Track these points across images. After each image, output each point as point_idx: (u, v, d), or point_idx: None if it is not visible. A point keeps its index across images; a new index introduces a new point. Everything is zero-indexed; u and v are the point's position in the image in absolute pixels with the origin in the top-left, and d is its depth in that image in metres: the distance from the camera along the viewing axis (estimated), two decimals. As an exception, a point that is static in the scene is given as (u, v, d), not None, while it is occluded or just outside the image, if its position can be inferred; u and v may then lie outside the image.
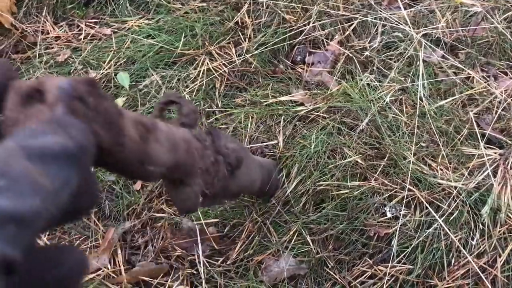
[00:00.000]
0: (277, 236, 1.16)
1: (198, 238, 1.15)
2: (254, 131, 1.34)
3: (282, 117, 1.34)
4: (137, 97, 1.37)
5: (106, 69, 1.41)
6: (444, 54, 1.50)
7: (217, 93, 1.42)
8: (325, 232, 1.14)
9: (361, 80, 1.35)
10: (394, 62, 1.45)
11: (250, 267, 1.13)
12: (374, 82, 1.36)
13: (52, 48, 1.47)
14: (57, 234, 1.18)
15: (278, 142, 1.28)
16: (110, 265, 1.14)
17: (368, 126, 1.24)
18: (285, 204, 1.20)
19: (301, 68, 1.48)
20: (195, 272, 1.14)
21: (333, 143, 1.22)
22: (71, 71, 1.42)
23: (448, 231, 1.11)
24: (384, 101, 1.30)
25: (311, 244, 1.13)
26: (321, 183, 1.17)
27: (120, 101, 1.35)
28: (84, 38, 1.50)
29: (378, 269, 1.10)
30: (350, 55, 1.44)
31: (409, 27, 1.49)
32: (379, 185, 1.17)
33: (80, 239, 1.18)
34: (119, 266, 1.14)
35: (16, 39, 1.47)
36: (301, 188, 1.19)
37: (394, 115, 1.28)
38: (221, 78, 1.43)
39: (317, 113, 1.30)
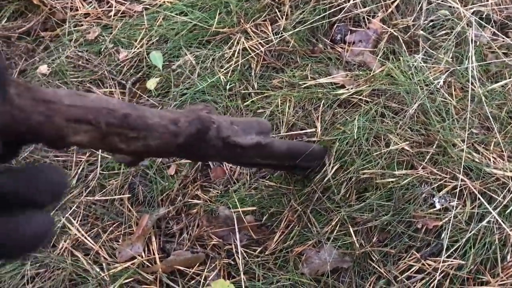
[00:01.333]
0: (318, 226, 1.10)
1: (236, 226, 1.10)
2: (292, 116, 1.27)
3: (322, 101, 1.27)
4: (171, 78, 1.31)
5: (138, 48, 1.35)
6: (495, 32, 1.40)
7: (253, 74, 1.36)
8: (369, 223, 1.08)
9: (407, 61, 1.26)
10: (441, 42, 1.36)
11: (290, 258, 1.08)
12: (421, 63, 1.27)
13: (82, 25, 1.41)
14: (89, 220, 1.14)
15: (317, 129, 1.21)
16: (144, 253, 1.10)
17: (415, 111, 1.17)
18: (326, 190, 1.14)
19: (341, 48, 1.39)
20: (232, 262, 1.09)
21: (376, 129, 1.15)
22: (102, 49, 1.37)
23: (502, 224, 1.04)
24: (432, 83, 1.21)
25: (354, 236, 1.07)
26: (364, 171, 1.10)
27: (153, 82, 1.30)
28: (114, 15, 1.44)
29: (427, 263, 1.04)
30: (394, 33, 1.35)
31: (457, 3, 1.39)
32: (427, 174, 1.10)
33: (113, 225, 1.14)
34: (154, 254, 1.10)
35: (45, 16, 1.42)
36: (342, 176, 1.12)
37: (442, 99, 1.20)
38: (257, 58, 1.35)
39: (359, 97, 1.23)
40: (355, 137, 1.13)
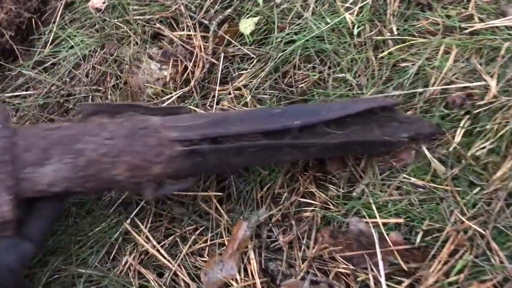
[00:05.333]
0: (504, 254, 0.72)
1: (378, 248, 0.74)
2: (451, 71, 0.85)
3: (501, 52, 0.84)
4: (273, 17, 0.91)
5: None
6: None
7: (389, 12, 0.93)
8: None
9: None
10: None
11: (459, 302, 0.71)
12: None
13: None
14: (162, 222, 0.81)
15: (488, 86, 0.80)
16: (240, 275, 0.77)
17: None
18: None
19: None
20: (369, 300, 0.74)
21: None
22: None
23: None
24: None
25: None
26: None
27: (248, 23, 0.90)
28: None
29: None
30: None
31: None
32: None
33: (196, 232, 0.81)
34: (253, 278, 0.77)
35: None
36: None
37: None
38: (398, -12, 0.92)
39: None
40: None
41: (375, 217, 0.77)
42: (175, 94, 0.90)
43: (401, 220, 0.77)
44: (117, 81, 0.91)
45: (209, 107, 0.90)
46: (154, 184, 0.69)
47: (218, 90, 0.92)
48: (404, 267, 0.74)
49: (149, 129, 0.67)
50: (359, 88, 0.88)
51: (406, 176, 0.82)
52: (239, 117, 0.73)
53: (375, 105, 0.79)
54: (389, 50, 0.90)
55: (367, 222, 0.77)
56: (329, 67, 0.90)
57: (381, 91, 0.88)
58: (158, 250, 0.78)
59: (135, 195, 0.82)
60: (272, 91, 0.90)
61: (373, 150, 0.81)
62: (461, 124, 0.82)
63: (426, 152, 0.82)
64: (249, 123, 0.71)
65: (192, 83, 0.90)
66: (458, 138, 0.82)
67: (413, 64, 0.89)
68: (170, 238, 0.80)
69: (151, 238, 0.79)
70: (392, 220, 0.77)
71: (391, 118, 0.81)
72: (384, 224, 0.77)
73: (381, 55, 0.90)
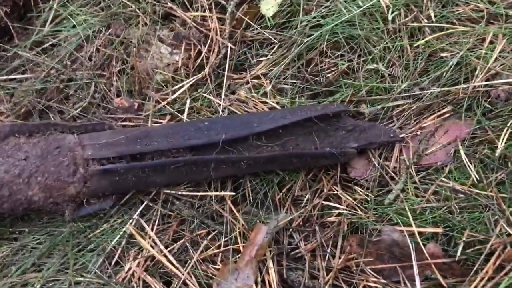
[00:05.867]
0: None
1: (413, 260, 0.66)
2: (497, 61, 0.77)
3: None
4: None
5: None
6: None
7: (427, -4, 0.83)
8: None
9: None
10: None
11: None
12: None
13: None
14: (170, 224, 0.73)
15: None
16: (257, 286, 0.69)
17: None
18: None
19: None
20: (402, 320, 0.66)
21: None
22: None
23: None
24: None
25: None
26: None
27: (270, 4, 0.81)
28: None
29: None
30: None
31: None
32: None
33: (208, 236, 0.72)
34: (271, 289, 0.69)
35: None
36: None
37: None
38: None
39: None
40: None
41: (411, 225, 0.69)
42: (187, 82, 0.81)
43: (439, 230, 0.69)
44: (123, 66, 0.82)
45: (224, 97, 0.81)
46: (74, 204, 0.69)
47: (235, 79, 0.83)
48: (443, 282, 0.65)
49: (64, 148, 0.68)
50: (391, 80, 0.79)
51: (445, 179, 0.73)
52: (162, 132, 0.71)
53: (315, 114, 0.72)
54: (426, 39, 0.81)
55: (401, 231, 0.68)
56: (359, 56, 0.81)
57: (415, 83, 0.79)
58: (165, 256, 0.70)
59: (141, 193, 0.74)
60: (295, 81, 0.82)
61: (314, 163, 0.74)
62: (509, 124, 0.73)
63: (462, 154, 0.74)
64: (172, 138, 0.70)
65: (206, 70, 0.81)
66: (504, 138, 0.73)
67: (452, 55, 0.79)
68: (179, 243, 0.71)
69: (157, 242, 0.70)
70: (430, 230, 0.69)
71: (337, 127, 0.75)
72: (421, 234, 0.69)
73: (417, 43, 0.81)
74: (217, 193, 0.73)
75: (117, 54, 0.82)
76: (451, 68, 0.79)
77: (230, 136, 0.69)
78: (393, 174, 0.75)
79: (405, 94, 0.78)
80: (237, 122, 0.71)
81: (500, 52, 0.78)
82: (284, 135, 0.72)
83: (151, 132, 0.71)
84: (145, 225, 0.71)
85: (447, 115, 0.77)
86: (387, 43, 0.80)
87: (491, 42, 0.79)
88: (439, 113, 0.77)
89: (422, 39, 0.81)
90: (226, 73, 0.82)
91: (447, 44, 0.80)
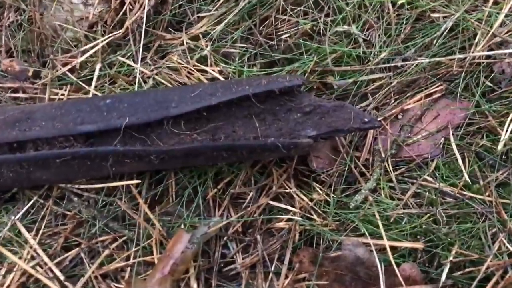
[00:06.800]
0: None
1: (382, 284, 0.48)
2: (502, 28, 0.59)
3: None
4: None
5: None
6: None
7: None
8: None
9: None
10: None
11: None
12: None
13: None
14: (66, 227, 0.54)
15: None
16: (174, 314, 0.51)
17: None
18: None
19: None
20: None
21: None
22: None
23: None
24: None
25: None
26: None
27: None
28: None
29: None
30: None
31: None
32: None
33: (113, 245, 0.54)
34: (193, 318, 0.51)
35: None
36: None
37: None
38: None
39: None
40: None
41: (381, 237, 0.51)
42: (103, 40, 0.62)
43: (419, 245, 0.52)
44: (19, 17, 0.63)
45: (150, 63, 0.62)
46: None
47: (167, 39, 0.64)
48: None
49: None
50: (367, 47, 0.62)
51: (429, 178, 0.56)
52: (48, 113, 0.53)
53: (257, 90, 0.52)
54: None
55: (368, 245, 0.51)
56: (327, 15, 0.63)
57: (397, 52, 0.61)
58: (50, 270, 0.52)
59: (24, 187, 0.56)
60: (244, 44, 0.64)
61: (254, 157, 0.55)
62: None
63: (454, 146, 0.56)
64: (60, 121, 0.52)
65: (128, 25, 0.62)
66: (508, 127, 0.55)
67: (445, 17, 0.62)
68: (72, 252, 0.53)
69: (40, 251, 0.52)
70: (406, 244, 0.52)
71: (290, 107, 0.55)
72: (394, 249, 0.51)
73: (401, 1, 0.63)
74: (117, 183, 0.54)
75: (11, 1, 0.63)
76: (444, 34, 0.61)
77: (138, 119, 0.51)
78: (363, 169, 0.58)
79: (384, 65, 0.61)
80: (149, 100, 0.52)
81: (507, 14, 0.60)
82: (213, 119, 0.53)
83: (35, 112, 0.53)
84: (23, 229, 0.53)
85: (437, 94, 0.60)
86: (363, -1, 0.62)
87: (495, 2, 0.61)
88: (427, 91, 0.60)
89: (408, -4, 0.63)
90: (154, 31, 0.63)
91: (439, 3, 0.62)
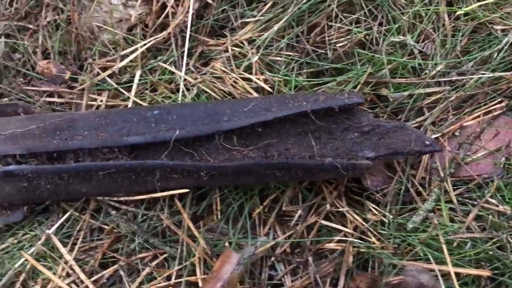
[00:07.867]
0: None
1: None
2: None
3: None
4: None
5: None
6: None
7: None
8: None
9: None
10: None
11: None
12: None
13: None
14: (102, 243, 0.51)
15: None
16: None
17: None
18: None
19: None
20: None
21: None
22: None
23: None
24: None
25: None
26: None
27: None
28: None
29: None
30: None
31: None
32: None
33: (154, 262, 0.50)
34: None
35: None
36: None
37: None
38: None
39: None
40: None
41: (442, 263, 0.48)
42: (143, 44, 0.59)
43: (485, 273, 0.48)
44: (56, 17, 0.60)
45: (192, 69, 0.59)
46: None
47: (210, 45, 0.61)
48: None
49: None
50: (423, 59, 0.58)
51: (492, 199, 0.52)
52: (91, 122, 0.49)
53: (315, 107, 0.49)
54: (470, 7, 0.59)
55: (432, 270, 0.47)
56: (381, 24, 0.60)
57: (454, 65, 0.58)
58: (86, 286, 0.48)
59: (62, 200, 0.52)
60: (291, 53, 0.60)
61: (309, 177, 0.52)
62: None
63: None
64: (105, 131, 0.48)
65: (170, 30, 0.59)
66: None
67: (505, 30, 0.59)
68: (110, 270, 0.49)
69: (76, 268, 0.48)
70: (472, 271, 0.48)
71: (347, 126, 0.52)
72: (458, 276, 0.47)
73: (458, 12, 0.60)
74: (160, 194, 0.50)
75: (50, 1, 0.60)
76: (504, 48, 0.58)
77: (188, 133, 0.47)
78: (420, 188, 0.54)
79: (441, 79, 0.57)
80: (199, 112, 0.49)
81: None
82: (265, 135, 0.50)
83: (78, 121, 0.49)
84: (58, 244, 0.49)
85: (497, 112, 0.56)
86: (418, 8, 0.59)
87: (559, 16, 0.58)
88: (486, 108, 0.56)
89: (466, 7, 0.60)
90: (196, 35, 0.60)
91: (498, 15, 0.59)
